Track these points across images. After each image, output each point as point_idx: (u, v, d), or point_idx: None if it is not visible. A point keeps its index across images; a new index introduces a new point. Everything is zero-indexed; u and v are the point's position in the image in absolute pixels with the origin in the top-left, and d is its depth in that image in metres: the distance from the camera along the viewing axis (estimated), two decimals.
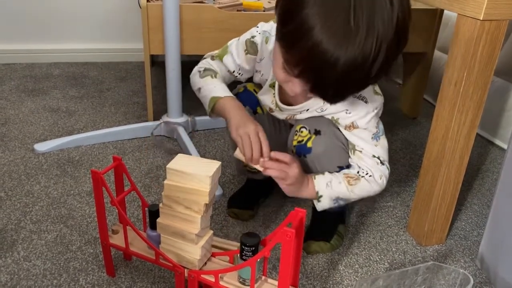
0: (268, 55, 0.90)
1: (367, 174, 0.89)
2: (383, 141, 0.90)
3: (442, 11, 1.56)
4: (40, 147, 1.31)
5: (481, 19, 0.79)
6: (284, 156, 0.84)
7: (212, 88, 0.91)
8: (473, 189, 1.26)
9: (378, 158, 0.88)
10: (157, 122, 1.42)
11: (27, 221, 1.02)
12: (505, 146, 1.49)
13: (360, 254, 0.99)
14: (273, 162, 0.83)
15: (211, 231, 0.80)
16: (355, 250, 1.00)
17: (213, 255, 0.81)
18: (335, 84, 0.69)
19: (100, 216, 0.81)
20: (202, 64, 0.96)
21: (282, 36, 0.71)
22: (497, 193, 0.91)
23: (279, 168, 0.83)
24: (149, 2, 1.36)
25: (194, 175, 0.72)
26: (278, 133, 1.03)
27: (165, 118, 1.42)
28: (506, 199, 0.89)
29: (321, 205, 0.90)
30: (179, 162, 0.74)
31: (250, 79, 1.01)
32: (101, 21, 2.06)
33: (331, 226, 1.01)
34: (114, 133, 1.39)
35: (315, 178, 0.88)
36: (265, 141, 0.83)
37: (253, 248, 0.73)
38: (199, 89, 0.94)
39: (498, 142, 1.52)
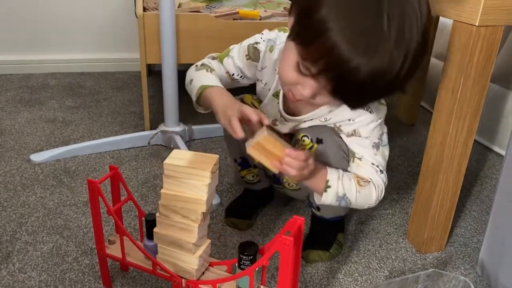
0: (271, 64, 0.89)
1: (372, 180, 0.87)
2: (384, 152, 0.88)
3: (437, 18, 1.57)
4: (36, 157, 1.30)
5: (476, 25, 0.79)
6: (299, 155, 0.75)
7: (204, 78, 0.89)
8: (472, 196, 1.26)
9: (377, 166, 0.87)
10: (154, 131, 1.41)
11: (22, 232, 1.01)
12: (503, 152, 1.48)
13: (360, 262, 0.98)
14: (292, 159, 0.75)
15: (209, 240, 0.79)
16: (355, 258, 0.99)
17: (211, 264, 0.80)
18: (356, 90, 0.68)
19: (96, 226, 0.80)
20: (200, 61, 0.95)
21: (300, 32, 0.70)
22: (496, 199, 0.91)
23: (298, 167, 0.75)
24: (145, 11, 1.37)
25: (191, 184, 0.72)
26: None
27: (162, 127, 1.41)
28: (506, 205, 0.88)
29: (324, 198, 0.83)
30: (175, 161, 0.73)
31: (249, 89, 1.00)
32: (97, 31, 2.06)
33: (330, 235, 1.00)
34: (110, 142, 1.39)
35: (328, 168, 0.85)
36: (253, 113, 0.77)
37: (251, 257, 0.73)
38: (191, 80, 0.91)
39: (496, 148, 1.52)
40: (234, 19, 1.46)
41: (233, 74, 0.93)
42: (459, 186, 0.96)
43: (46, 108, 1.66)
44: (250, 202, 1.12)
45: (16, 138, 1.43)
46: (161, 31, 1.29)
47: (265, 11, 1.57)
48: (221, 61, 0.93)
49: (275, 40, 0.88)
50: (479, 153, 1.50)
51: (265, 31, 0.91)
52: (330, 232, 1.01)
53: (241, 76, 0.93)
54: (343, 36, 0.63)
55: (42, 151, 1.34)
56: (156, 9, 1.37)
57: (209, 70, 0.91)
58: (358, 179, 0.85)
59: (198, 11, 1.47)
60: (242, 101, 0.99)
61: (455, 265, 0.99)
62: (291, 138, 0.96)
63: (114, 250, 0.84)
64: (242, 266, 0.73)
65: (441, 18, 1.67)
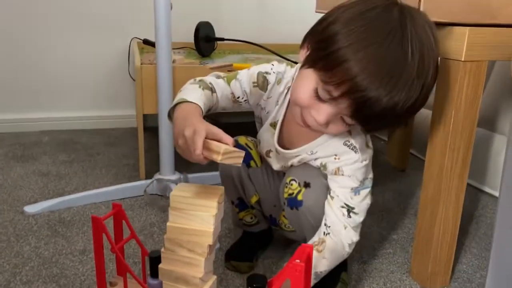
0: (276, 95, 0.90)
1: (327, 230, 0.88)
2: (363, 198, 0.89)
3: None
4: (30, 209, 1.28)
5: (462, 60, 0.85)
6: None
7: (188, 92, 0.80)
8: (470, 234, 1.26)
9: (348, 209, 0.87)
10: (149, 180, 1.41)
11: (17, 282, 0.97)
12: (494, 193, 1.51)
13: None
14: None
15: (215, 276, 0.78)
16: None
17: None
18: (376, 115, 0.71)
19: (98, 265, 0.78)
20: (203, 77, 0.88)
21: (319, 60, 0.73)
22: (495, 236, 0.90)
23: None
24: (142, 64, 1.41)
25: (198, 215, 0.72)
26: (273, 185, 1.03)
27: (157, 176, 1.41)
28: (506, 238, 0.89)
29: None
30: (182, 193, 0.73)
31: (243, 129, 1.02)
32: (90, 89, 2.10)
33: (334, 274, 0.98)
34: (105, 192, 1.38)
35: None
36: (224, 135, 0.70)
37: None
38: (180, 91, 0.84)
39: (487, 189, 1.54)
40: (228, 71, 1.51)
41: (238, 97, 0.90)
42: (459, 218, 0.97)
43: (39, 163, 1.66)
44: (250, 244, 1.11)
45: (9, 191, 1.41)
46: (158, 83, 1.33)
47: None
48: (228, 83, 0.89)
49: (283, 74, 0.89)
50: (472, 195, 1.52)
51: (275, 63, 0.91)
52: (334, 271, 0.98)
53: (245, 100, 0.91)
54: (363, 67, 0.67)
55: (36, 203, 1.32)
56: (151, 64, 1.42)
57: (203, 87, 0.83)
58: (316, 247, 0.87)
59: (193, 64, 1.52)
60: (237, 143, 1.01)
61: None
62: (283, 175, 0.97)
63: None
64: None
65: None
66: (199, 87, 0.83)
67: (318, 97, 0.75)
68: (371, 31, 0.70)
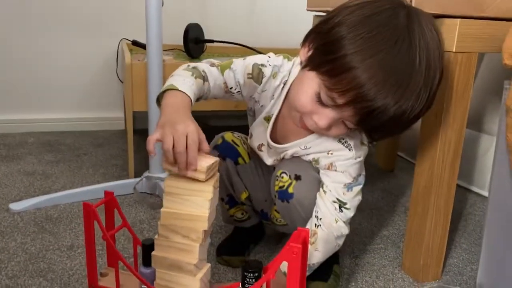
0: (271, 89, 0.87)
1: (319, 222, 0.87)
2: (355, 195, 0.88)
3: None
4: (16, 206, 1.25)
5: (454, 51, 0.86)
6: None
7: (180, 79, 0.78)
8: (459, 230, 1.27)
9: (340, 205, 0.86)
10: (138, 179, 1.39)
11: (2, 277, 0.94)
12: (482, 192, 1.53)
13: None
14: None
15: (209, 264, 0.77)
16: None
17: None
18: (383, 124, 0.70)
19: (89, 254, 0.76)
20: (196, 64, 0.85)
21: (323, 64, 0.71)
22: (485, 232, 0.92)
23: None
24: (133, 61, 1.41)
25: (193, 200, 0.71)
26: (263, 179, 1.02)
27: (147, 174, 1.40)
28: (495, 233, 0.90)
29: None
30: (177, 177, 0.72)
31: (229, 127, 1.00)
32: (76, 90, 2.07)
33: (327, 266, 0.98)
34: (94, 190, 1.35)
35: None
36: (205, 142, 0.70)
37: (256, 274, 0.70)
38: (171, 75, 0.82)
39: (475, 188, 1.56)
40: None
41: (231, 88, 0.87)
42: (450, 210, 0.98)
43: (25, 162, 1.62)
44: (242, 239, 1.10)
45: None
46: (149, 78, 1.32)
47: None
48: (221, 72, 0.86)
49: (280, 67, 0.86)
50: (460, 194, 1.53)
51: (271, 55, 0.88)
52: (327, 263, 0.98)
53: (238, 91, 0.88)
54: (370, 76, 0.66)
55: (22, 200, 1.29)
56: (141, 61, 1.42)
57: (196, 75, 0.81)
58: None
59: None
60: (224, 140, 1.00)
61: None
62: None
63: (106, 282, 0.80)
64: (246, 285, 0.70)
65: None
66: (192, 74, 0.81)
67: (321, 102, 0.74)
68: (378, 38, 0.68)
